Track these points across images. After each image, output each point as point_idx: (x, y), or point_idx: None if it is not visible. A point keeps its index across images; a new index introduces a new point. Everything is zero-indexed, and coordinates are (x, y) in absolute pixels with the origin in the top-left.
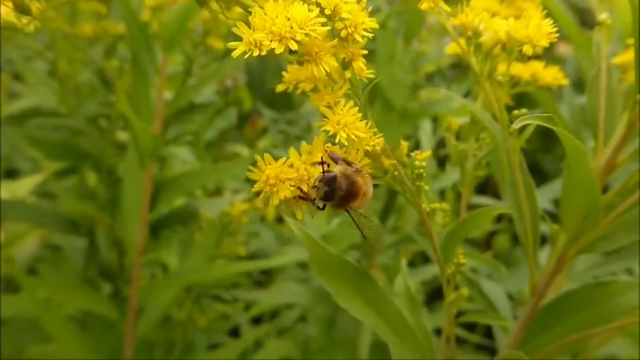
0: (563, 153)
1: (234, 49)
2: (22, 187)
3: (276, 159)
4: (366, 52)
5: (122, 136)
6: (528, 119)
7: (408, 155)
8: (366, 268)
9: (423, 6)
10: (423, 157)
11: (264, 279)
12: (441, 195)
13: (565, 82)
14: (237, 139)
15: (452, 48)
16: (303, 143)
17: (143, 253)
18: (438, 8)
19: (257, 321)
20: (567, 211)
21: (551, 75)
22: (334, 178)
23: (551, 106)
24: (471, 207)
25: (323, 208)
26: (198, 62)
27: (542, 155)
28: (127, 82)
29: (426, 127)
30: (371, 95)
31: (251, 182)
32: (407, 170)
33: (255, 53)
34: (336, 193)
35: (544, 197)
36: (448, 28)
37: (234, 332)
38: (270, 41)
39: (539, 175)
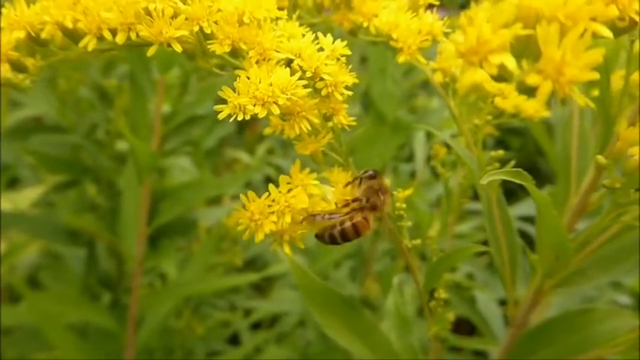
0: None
1: None
2: (24, 199)
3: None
4: (347, 106)
5: (121, 145)
6: (497, 174)
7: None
8: (354, 299)
9: (400, 59)
10: (404, 195)
11: (263, 284)
12: (437, 202)
13: (546, 113)
14: (236, 145)
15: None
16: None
17: (142, 263)
18: (415, 60)
19: (256, 326)
20: (541, 251)
21: (533, 107)
22: (377, 172)
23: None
24: (467, 213)
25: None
26: (196, 74)
27: (540, 157)
28: (126, 99)
29: (419, 136)
30: (364, 107)
31: (250, 188)
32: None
33: (240, 117)
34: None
35: None
36: (429, 74)
37: (234, 338)
38: (254, 105)
39: (537, 177)
